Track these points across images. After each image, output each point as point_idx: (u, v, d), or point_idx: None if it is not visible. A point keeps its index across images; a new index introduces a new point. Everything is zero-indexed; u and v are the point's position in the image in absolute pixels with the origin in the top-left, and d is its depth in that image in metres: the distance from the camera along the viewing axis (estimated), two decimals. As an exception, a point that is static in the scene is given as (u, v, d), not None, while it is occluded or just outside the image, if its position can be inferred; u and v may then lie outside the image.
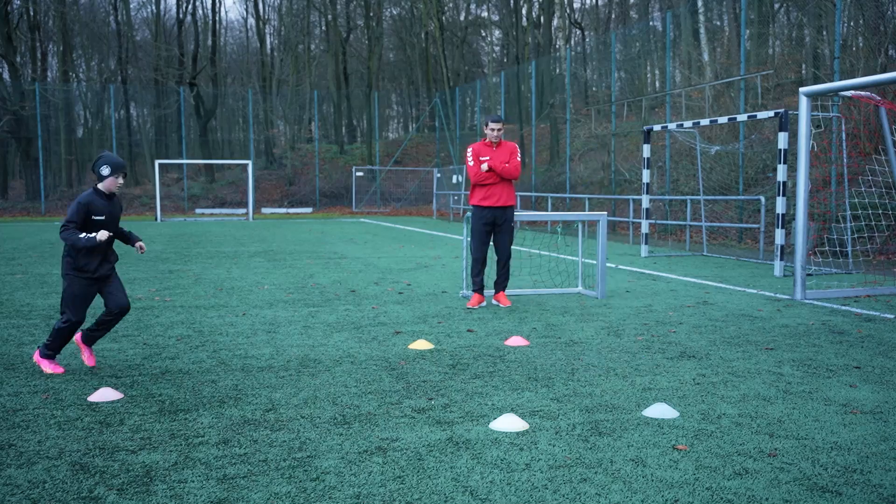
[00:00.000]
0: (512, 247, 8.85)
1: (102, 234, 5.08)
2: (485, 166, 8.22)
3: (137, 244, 5.48)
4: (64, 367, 5.45)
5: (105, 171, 5.22)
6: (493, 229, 8.43)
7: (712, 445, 3.87)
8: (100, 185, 5.27)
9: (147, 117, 47.41)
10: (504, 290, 8.61)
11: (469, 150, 8.47)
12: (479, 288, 8.50)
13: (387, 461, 3.66)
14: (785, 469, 3.55)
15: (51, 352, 5.33)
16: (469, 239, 8.68)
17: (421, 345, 6.24)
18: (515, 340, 6.41)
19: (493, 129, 8.25)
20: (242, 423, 4.25)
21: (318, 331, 6.92)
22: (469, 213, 8.59)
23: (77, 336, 5.47)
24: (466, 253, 9.05)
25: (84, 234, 5.09)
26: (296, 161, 42.21)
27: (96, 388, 4.88)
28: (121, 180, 5.26)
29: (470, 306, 8.33)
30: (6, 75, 38.95)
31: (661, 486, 3.36)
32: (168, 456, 3.72)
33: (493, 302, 8.58)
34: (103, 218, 5.22)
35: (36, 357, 5.37)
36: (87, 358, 5.45)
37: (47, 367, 5.32)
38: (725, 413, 4.42)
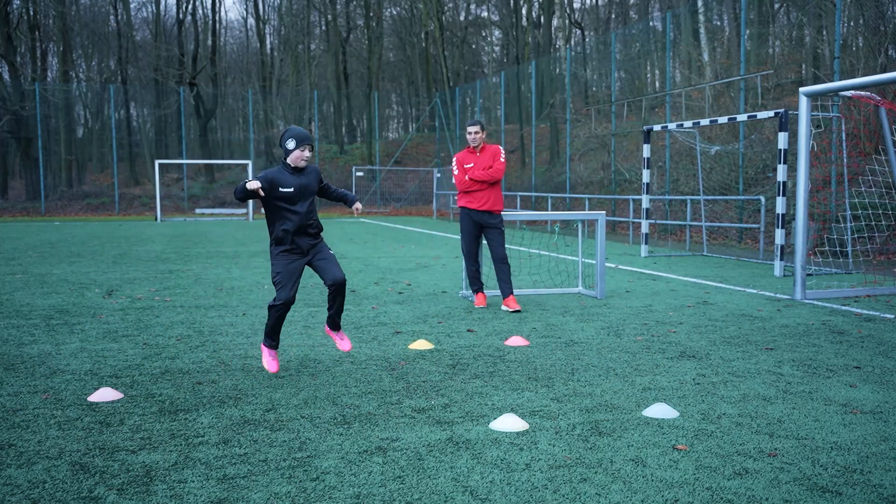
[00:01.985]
0: (510, 247, 8.84)
1: (253, 184, 4.96)
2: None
3: (354, 206, 5.45)
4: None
5: (290, 144, 5.17)
6: (482, 232, 8.44)
7: (712, 445, 3.87)
8: (287, 160, 5.22)
9: (147, 117, 47.43)
10: (512, 294, 8.22)
11: (454, 159, 8.51)
12: (479, 287, 8.54)
13: (387, 461, 3.66)
14: (785, 469, 3.55)
15: (267, 339, 5.29)
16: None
17: (421, 345, 6.24)
18: (515, 340, 6.41)
19: (469, 133, 8.24)
20: (242, 423, 4.25)
21: (318, 331, 6.92)
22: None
23: (325, 328, 5.58)
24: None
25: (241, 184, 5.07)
26: (296, 161, 42.14)
27: (96, 388, 4.88)
28: (307, 153, 5.17)
29: (478, 305, 8.39)
30: (6, 75, 38.97)
31: (661, 486, 3.36)
32: (168, 456, 3.72)
33: (503, 308, 8.15)
34: (291, 190, 5.17)
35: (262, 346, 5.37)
36: (340, 344, 5.51)
37: (265, 358, 5.30)
38: (725, 413, 4.42)
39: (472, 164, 8.28)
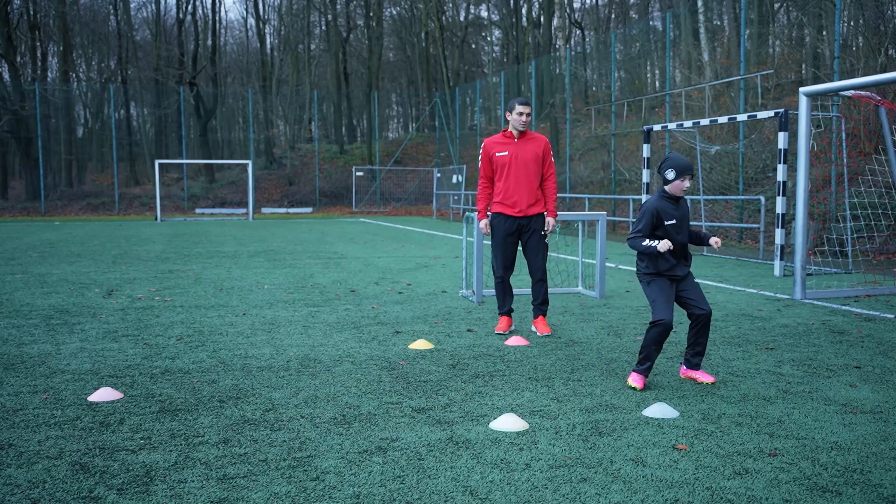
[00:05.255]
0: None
1: (663, 245, 4.88)
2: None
3: (712, 240, 5.22)
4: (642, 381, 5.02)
5: (670, 174, 5.05)
6: (519, 239, 6.87)
7: (712, 445, 3.87)
8: (666, 188, 5.11)
9: (147, 117, 47.47)
10: (543, 315, 6.92)
11: (482, 148, 6.88)
12: (507, 310, 6.98)
13: (387, 461, 3.66)
14: (785, 469, 3.55)
15: (640, 366, 5.08)
16: (469, 240, 8.53)
17: (421, 345, 6.24)
18: (515, 340, 6.41)
19: (521, 113, 6.54)
20: (242, 423, 4.25)
21: (318, 331, 6.92)
22: (468, 215, 8.51)
23: (681, 369, 5.31)
24: (466, 253, 9.02)
25: (647, 242, 4.97)
26: (296, 161, 42.22)
27: (96, 388, 4.88)
28: (686, 183, 5.06)
29: (498, 331, 6.86)
30: (6, 75, 38.98)
31: (661, 486, 3.36)
32: (168, 456, 3.72)
33: (532, 329, 7.04)
34: (674, 222, 5.07)
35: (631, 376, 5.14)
36: (702, 377, 5.18)
37: (633, 380, 5.06)
38: (725, 413, 4.42)
39: (506, 153, 6.67)
